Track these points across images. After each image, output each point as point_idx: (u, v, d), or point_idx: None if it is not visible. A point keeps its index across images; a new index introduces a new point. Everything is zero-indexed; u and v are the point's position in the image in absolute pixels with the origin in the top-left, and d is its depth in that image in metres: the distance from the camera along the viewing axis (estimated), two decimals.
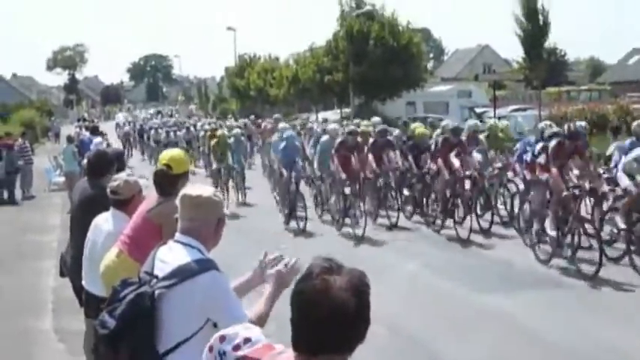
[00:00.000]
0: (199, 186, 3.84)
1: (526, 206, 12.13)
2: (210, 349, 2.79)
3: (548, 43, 31.01)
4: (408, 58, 40.87)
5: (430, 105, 40.14)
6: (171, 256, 3.55)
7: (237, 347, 2.73)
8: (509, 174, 14.73)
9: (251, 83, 60.85)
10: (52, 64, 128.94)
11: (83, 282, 5.85)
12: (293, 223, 14.81)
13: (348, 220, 14.03)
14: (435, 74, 71.79)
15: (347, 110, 43.27)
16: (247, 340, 2.74)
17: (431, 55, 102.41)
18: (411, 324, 8.50)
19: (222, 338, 2.78)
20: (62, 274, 6.81)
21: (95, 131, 18.18)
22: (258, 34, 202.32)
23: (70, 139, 20.70)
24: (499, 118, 28.61)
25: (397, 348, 7.58)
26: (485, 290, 9.70)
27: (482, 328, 8.26)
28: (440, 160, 13.74)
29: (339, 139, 14.78)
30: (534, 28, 28.07)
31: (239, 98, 67.96)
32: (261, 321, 3.50)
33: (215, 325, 3.44)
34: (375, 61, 39.75)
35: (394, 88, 40.83)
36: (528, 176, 12.38)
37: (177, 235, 3.62)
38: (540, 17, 27.95)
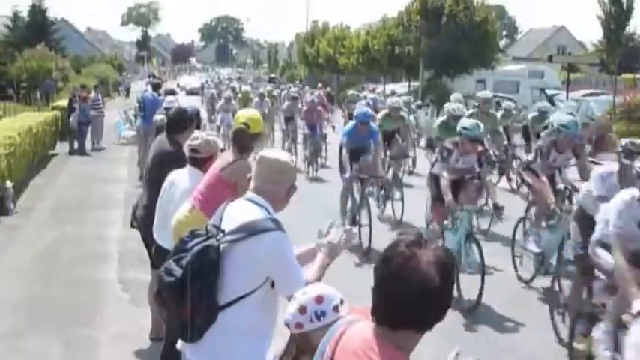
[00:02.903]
0: (277, 150, 3.92)
1: None
2: (303, 310, 2.81)
3: (629, 27, 30.11)
4: (480, 36, 40.18)
5: (500, 84, 39.42)
6: (239, 212, 3.59)
7: (336, 308, 2.78)
8: None
9: (320, 50, 60.62)
10: (126, 19, 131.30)
11: (155, 235, 5.91)
12: None
13: None
14: (506, 53, 70.52)
15: (415, 84, 42.84)
16: (342, 302, 2.81)
17: (504, 33, 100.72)
18: None
19: (320, 299, 2.81)
20: (132, 226, 6.92)
21: (157, 88, 18.00)
22: (331, 1, 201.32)
23: None
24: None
25: None
26: None
27: None
28: None
29: None
30: (617, 11, 27.28)
31: (307, 65, 67.88)
32: None
33: (272, 285, 3.50)
34: (448, 37, 39.19)
35: (465, 65, 40.24)
36: None
37: (249, 194, 3.67)
38: (624, 0, 27.15)
